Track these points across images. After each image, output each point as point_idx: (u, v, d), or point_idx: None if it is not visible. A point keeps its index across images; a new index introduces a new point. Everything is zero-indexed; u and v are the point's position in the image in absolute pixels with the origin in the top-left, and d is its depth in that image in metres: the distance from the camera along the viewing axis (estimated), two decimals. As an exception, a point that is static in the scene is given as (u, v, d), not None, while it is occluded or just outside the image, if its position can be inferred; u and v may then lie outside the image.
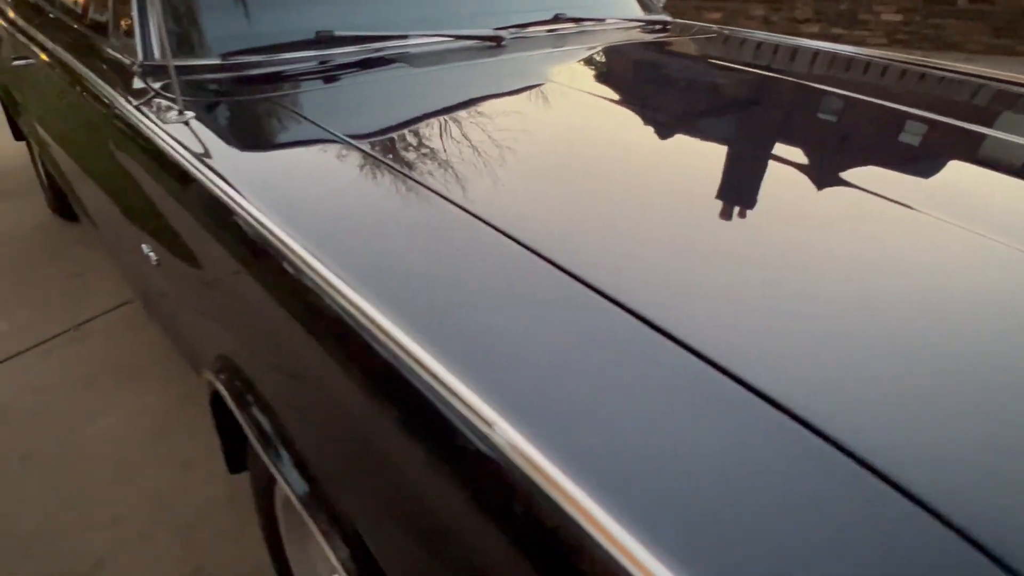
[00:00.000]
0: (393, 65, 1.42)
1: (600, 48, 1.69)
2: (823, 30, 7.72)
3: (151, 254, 1.21)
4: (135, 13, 1.41)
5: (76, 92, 1.63)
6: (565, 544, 0.44)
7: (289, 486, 0.83)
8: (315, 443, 0.82)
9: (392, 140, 1.09)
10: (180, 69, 1.32)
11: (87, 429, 1.85)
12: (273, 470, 0.86)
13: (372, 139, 1.07)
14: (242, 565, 1.47)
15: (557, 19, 1.74)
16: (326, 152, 1.04)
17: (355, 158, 1.00)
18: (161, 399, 1.97)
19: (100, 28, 1.65)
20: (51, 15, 1.99)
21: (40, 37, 1.94)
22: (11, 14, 2.34)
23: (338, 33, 1.41)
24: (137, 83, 1.35)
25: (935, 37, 7.09)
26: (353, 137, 1.06)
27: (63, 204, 2.97)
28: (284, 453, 0.87)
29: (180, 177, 1.04)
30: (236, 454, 1.15)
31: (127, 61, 1.41)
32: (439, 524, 0.56)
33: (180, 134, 1.12)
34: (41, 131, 2.23)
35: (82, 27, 1.77)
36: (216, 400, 1.06)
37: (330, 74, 1.36)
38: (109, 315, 2.39)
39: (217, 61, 1.34)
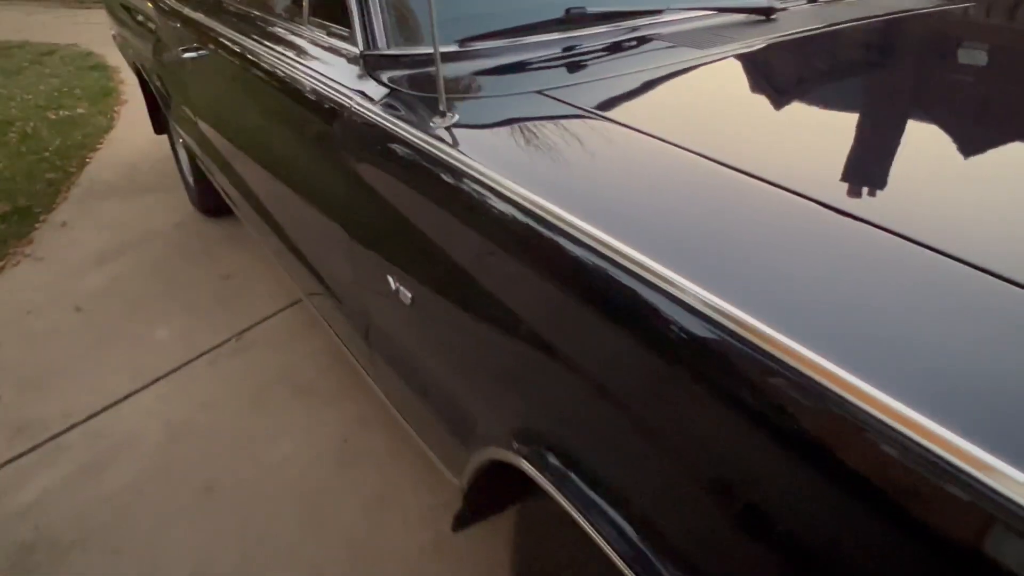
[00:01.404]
0: (655, 45, 1.16)
1: (895, 16, 1.37)
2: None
3: (401, 289, 1.00)
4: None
5: (266, 86, 1.44)
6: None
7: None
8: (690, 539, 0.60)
9: (705, 131, 0.85)
10: (411, 60, 1.11)
11: (266, 455, 1.71)
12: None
13: (679, 132, 0.82)
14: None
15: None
16: (632, 151, 0.81)
17: (670, 157, 0.77)
18: (338, 421, 1.81)
19: (293, 14, 1.45)
20: (222, 3, 1.83)
21: (213, 25, 1.77)
22: (170, 1, 2.21)
23: (592, 10, 1.16)
24: (359, 76, 1.14)
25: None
26: (656, 133, 0.82)
27: (208, 201, 2.88)
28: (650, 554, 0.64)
29: (456, 193, 0.83)
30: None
31: (347, 51, 1.20)
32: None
33: (448, 138, 0.90)
34: (203, 127, 2.10)
35: (267, 14, 1.59)
36: (493, 472, 0.85)
37: (591, 58, 1.11)
38: (269, 322, 2.25)
39: (454, 48, 1.11)
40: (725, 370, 0.53)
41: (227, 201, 2.31)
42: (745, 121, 0.91)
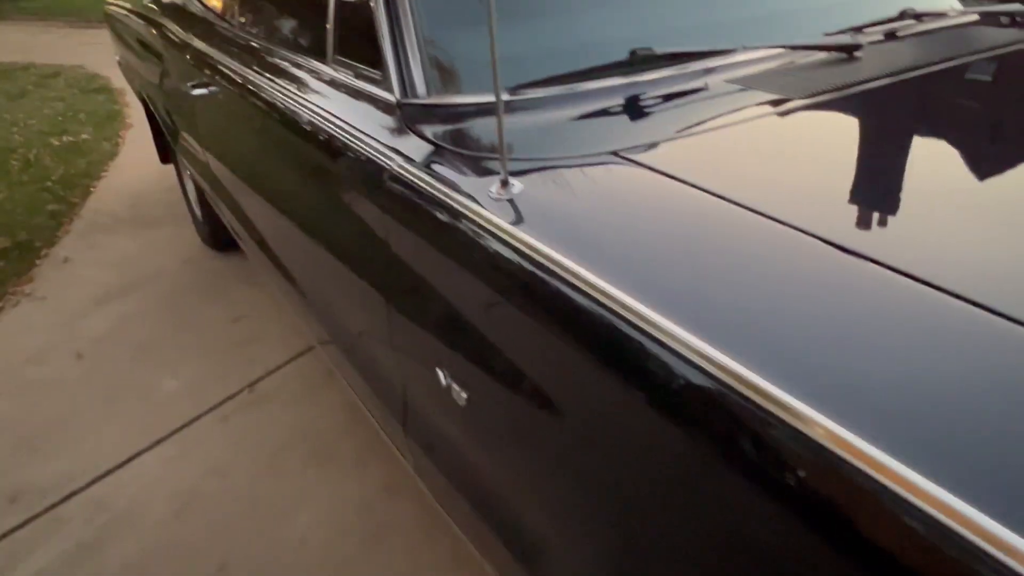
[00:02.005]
0: (728, 88, 1.01)
1: (1000, 52, 1.22)
2: None
3: (454, 387, 0.85)
4: (383, 31, 1.06)
5: (285, 131, 1.31)
6: None
7: None
8: None
9: (829, 207, 0.70)
10: (458, 112, 0.96)
11: (283, 530, 1.55)
12: None
13: (797, 209, 0.67)
14: None
15: (905, 15, 1.28)
16: (745, 236, 0.65)
17: (797, 246, 0.62)
18: (361, 488, 1.66)
19: (315, 51, 1.32)
20: (234, 35, 1.70)
21: (225, 60, 1.64)
22: (176, 30, 2.08)
23: (661, 50, 1.02)
24: (395, 129, 1.00)
25: None
26: (767, 210, 0.67)
27: (217, 236, 2.74)
28: None
29: (530, 285, 0.68)
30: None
31: (380, 97, 1.06)
32: None
33: (512, 214, 0.75)
34: (213, 163, 1.96)
35: (285, 49, 1.45)
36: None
37: (664, 107, 0.97)
38: (283, 371, 2.10)
39: (505, 97, 0.97)
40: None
41: (237, 240, 2.17)
42: (867, 191, 0.76)
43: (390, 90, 1.04)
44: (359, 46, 1.16)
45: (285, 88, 1.32)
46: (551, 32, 1.10)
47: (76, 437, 1.86)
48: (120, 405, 1.99)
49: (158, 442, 1.83)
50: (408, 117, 1.00)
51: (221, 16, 1.87)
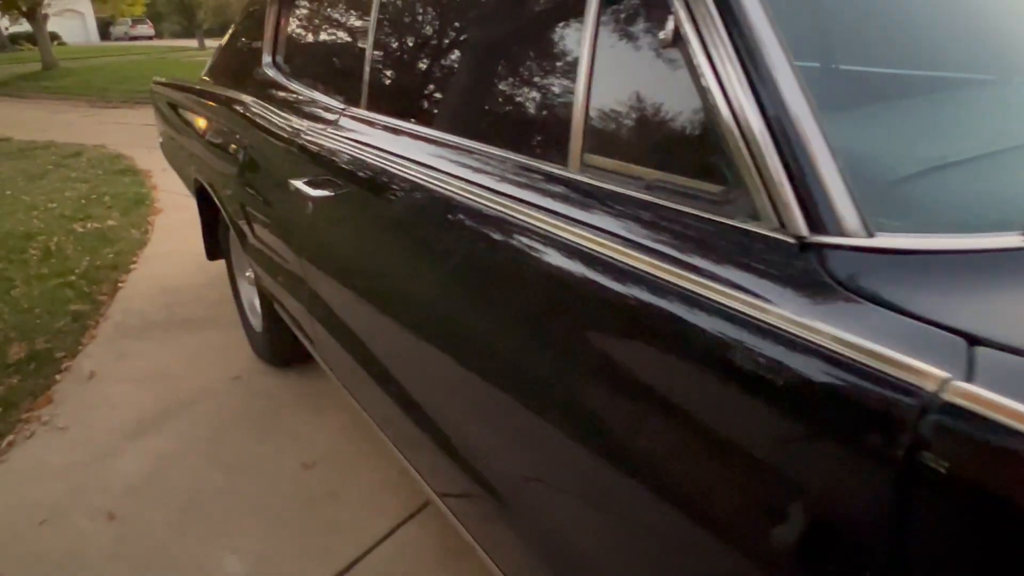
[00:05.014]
0: None
1: None
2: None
3: None
4: (749, 125, 0.63)
5: (505, 267, 0.87)
6: None
7: None
8: None
9: None
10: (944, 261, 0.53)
11: None
12: None
13: None
14: None
15: None
16: None
17: None
18: None
19: (549, 150, 0.89)
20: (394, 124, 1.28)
21: (366, 158, 1.22)
22: (279, 115, 1.68)
23: None
24: (796, 281, 0.56)
25: None
26: None
27: (279, 351, 2.29)
28: None
29: None
30: None
31: (767, 236, 0.62)
32: None
33: None
34: (312, 272, 1.52)
35: (474, 139, 1.03)
36: None
37: None
38: (384, 547, 1.59)
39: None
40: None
41: (328, 368, 1.70)
42: None
43: (773, 218, 0.60)
44: (683, 152, 0.74)
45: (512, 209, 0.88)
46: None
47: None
48: (167, 599, 1.47)
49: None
50: (831, 266, 0.56)
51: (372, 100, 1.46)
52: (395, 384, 1.23)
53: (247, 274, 2.42)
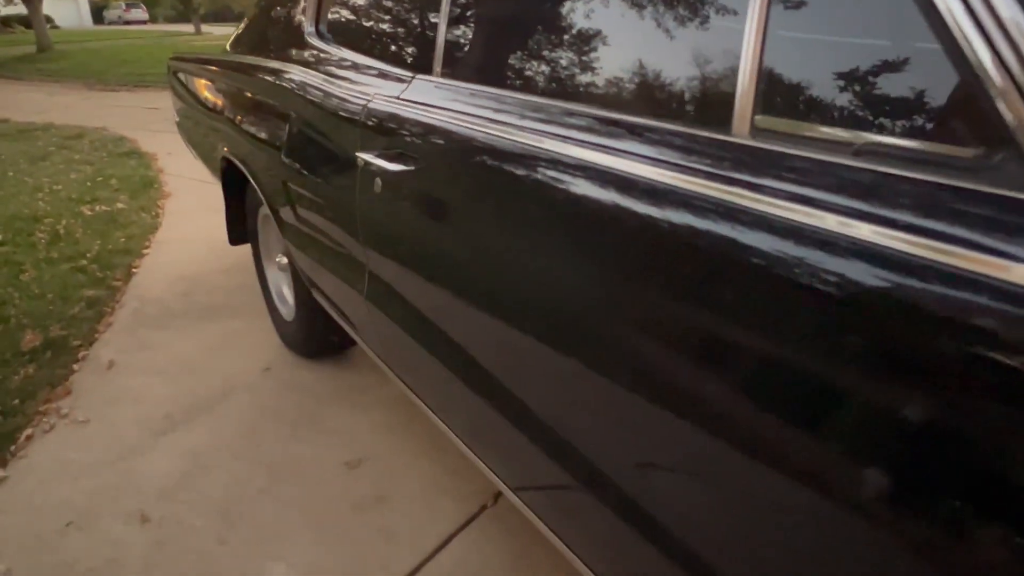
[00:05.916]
0: None
1: None
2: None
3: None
4: None
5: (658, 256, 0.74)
6: None
7: None
8: None
9: None
10: None
11: None
12: None
13: None
14: None
15: None
16: None
17: None
18: None
19: (709, 116, 0.76)
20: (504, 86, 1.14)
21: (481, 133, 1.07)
22: (328, 81, 1.54)
23: None
24: None
25: None
26: None
27: (313, 342, 2.16)
28: None
29: None
30: None
31: None
32: None
33: None
34: (375, 257, 1.38)
35: (606, 108, 0.90)
36: None
37: None
38: (447, 552, 1.46)
39: None
40: None
41: (384, 362, 1.57)
42: None
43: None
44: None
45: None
46: None
47: None
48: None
49: None
50: None
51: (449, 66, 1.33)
52: (478, 371, 1.09)
53: (277, 260, 2.28)
